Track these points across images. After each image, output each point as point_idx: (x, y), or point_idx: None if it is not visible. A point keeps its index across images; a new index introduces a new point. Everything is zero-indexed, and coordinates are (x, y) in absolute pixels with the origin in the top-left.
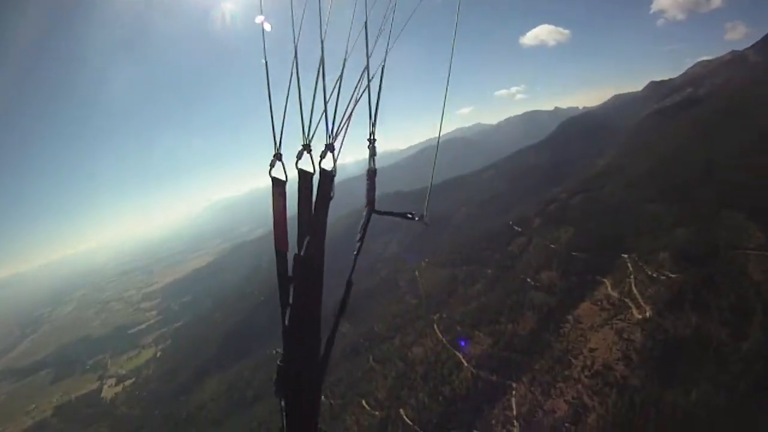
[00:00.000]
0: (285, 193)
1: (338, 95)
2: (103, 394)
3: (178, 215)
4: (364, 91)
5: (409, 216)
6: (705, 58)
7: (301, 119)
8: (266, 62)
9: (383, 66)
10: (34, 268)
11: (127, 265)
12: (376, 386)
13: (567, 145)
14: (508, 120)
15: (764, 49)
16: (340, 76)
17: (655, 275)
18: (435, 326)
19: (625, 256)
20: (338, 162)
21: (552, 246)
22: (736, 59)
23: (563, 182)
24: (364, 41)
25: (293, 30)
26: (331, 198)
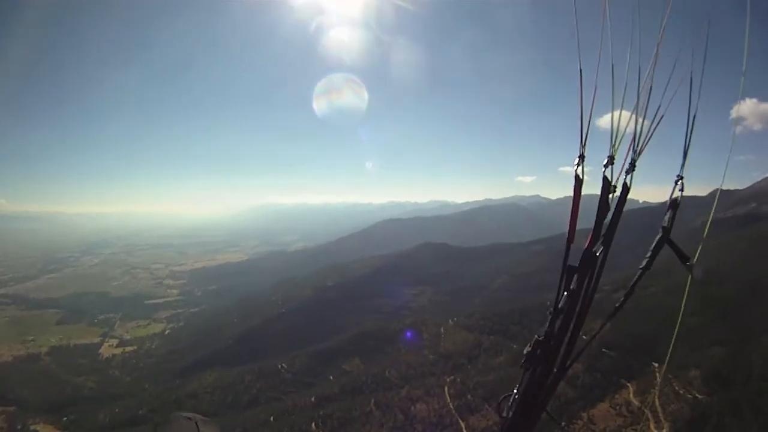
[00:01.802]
0: (581, 191)
1: (645, 111)
2: (101, 351)
3: (225, 207)
4: (661, 119)
5: (686, 259)
6: None
7: (611, 130)
8: (581, 69)
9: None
10: (72, 213)
11: (164, 239)
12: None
13: (620, 237)
14: (568, 198)
15: None
16: (648, 95)
17: (681, 392)
18: (446, 388)
19: (656, 365)
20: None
21: (584, 337)
22: None
23: (609, 274)
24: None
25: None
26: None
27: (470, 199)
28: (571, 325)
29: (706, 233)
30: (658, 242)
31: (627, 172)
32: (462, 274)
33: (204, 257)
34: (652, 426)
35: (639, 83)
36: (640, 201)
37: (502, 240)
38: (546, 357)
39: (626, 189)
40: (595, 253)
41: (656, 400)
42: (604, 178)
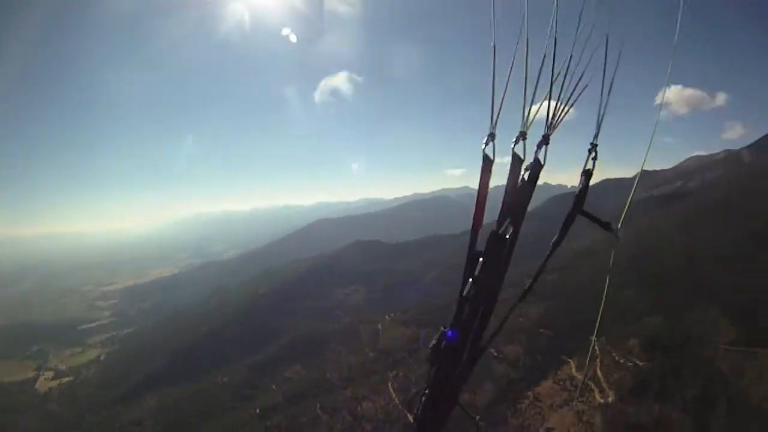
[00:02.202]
0: (491, 172)
1: (561, 88)
2: (37, 386)
3: (153, 221)
4: (584, 90)
5: (605, 225)
6: (699, 153)
7: (523, 106)
8: (494, 44)
9: (616, 65)
10: None
11: (92, 259)
12: None
13: (550, 222)
14: (497, 188)
15: (759, 150)
16: (566, 70)
17: (622, 361)
18: (389, 384)
19: (593, 337)
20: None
21: (521, 320)
22: (730, 157)
23: (541, 258)
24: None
25: (524, 8)
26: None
27: (400, 195)
28: (479, 314)
29: (628, 204)
30: (570, 213)
31: (539, 146)
32: (395, 270)
33: (135, 274)
34: (597, 396)
35: (554, 58)
36: (569, 186)
37: (433, 233)
38: (453, 349)
39: (539, 164)
40: (503, 235)
41: (599, 371)
42: (514, 154)
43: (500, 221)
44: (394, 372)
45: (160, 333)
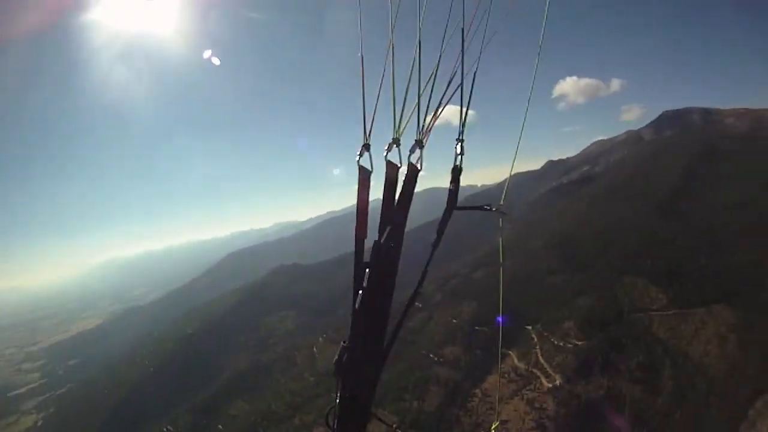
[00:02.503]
0: (369, 182)
1: (431, 91)
2: None
3: (66, 271)
4: (456, 90)
5: (486, 207)
6: (601, 137)
7: (393, 113)
8: (362, 55)
9: (476, 67)
10: None
11: (10, 319)
12: None
13: (466, 222)
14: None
15: (658, 127)
16: (435, 73)
17: (561, 344)
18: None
19: (529, 327)
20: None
21: (454, 321)
22: (631, 138)
23: (463, 257)
24: (459, 39)
25: (391, 18)
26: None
27: (313, 215)
28: (375, 323)
29: (507, 182)
30: (446, 211)
31: (412, 151)
32: (320, 290)
33: (58, 330)
34: (544, 381)
35: (420, 64)
36: (479, 185)
37: (352, 250)
38: (355, 361)
39: (414, 169)
40: (387, 244)
41: (540, 357)
42: (387, 162)
43: (381, 230)
44: (332, 405)
45: (94, 389)
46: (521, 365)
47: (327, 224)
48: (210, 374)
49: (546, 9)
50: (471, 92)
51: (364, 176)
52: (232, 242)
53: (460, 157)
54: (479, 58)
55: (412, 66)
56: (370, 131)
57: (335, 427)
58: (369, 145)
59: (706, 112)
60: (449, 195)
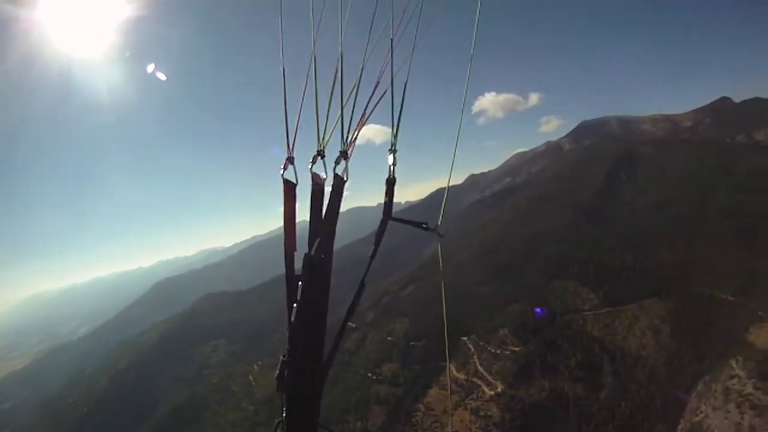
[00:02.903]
0: (295, 195)
1: (354, 103)
2: None
3: None
4: (380, 99)
5: (424, 226)
6: (522, 149)
7: (317, 125)
8: (284, 68)
9: (408, 73)
10: None
11: None
12: None
13: (394, 240)
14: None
15: (577, 137)
16: (357, 84)
17: (498, 351)
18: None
19: (465, 338)
20: None
21: (389, 338)
22: (551, 148)
23: (393, 275)
24: (383, 48)
25: (312, 32)
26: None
27: (238, 240)
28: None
29: (444, 201)
30: (382, 223)
31: (337, 162)
32: (250, 317)
33: None
34: (486, 390)
35: (342, 76)
36: (403, 202)
37: (281, 272)
38: (297, 374)
39: (340, 180)
40: (318, 256)
41: (479, 366)
42: (312, 174)
43: (311, 242)
44: (279, 419)
45: None
46: (461, 376)
47: (253, 249)
48: (146, 410)
49: (475, 31)
50: (402, 101)
51: (290, 189)
52: (158, 271)
53: (392, 167)
54: (410, 65)
55: (335, 77)
56: (293, 144)
57: None
58: (293, 158)
59: (623, 120)
60: (385, 206)
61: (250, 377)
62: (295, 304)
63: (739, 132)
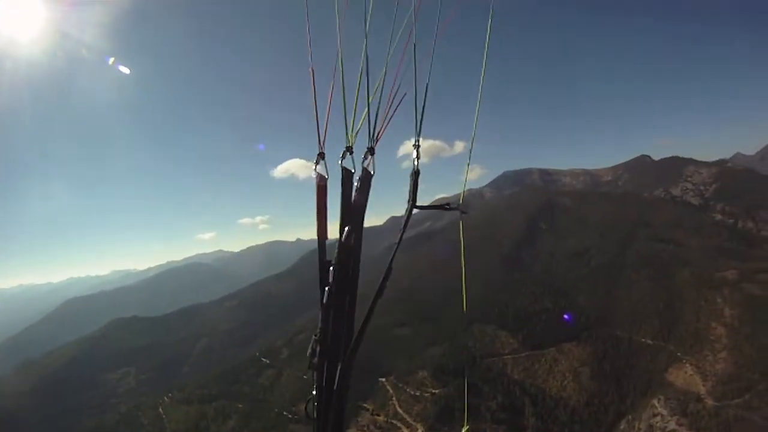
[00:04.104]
0: (326, 187)
1: (380, 99)
2: None
3: None
4: (404, 97)
5: (447, 207)
6: (444, 195)
7: (345, 123)
8: (312, 69)
9: (429, 71)
10: None
11: None
12: None
13: (309, 276)
14: (250, 249)
15: (497, 186)
16: (383, 81)
17: (417, 393)
18: None
19: (383, 379)
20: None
21: (304, 377)
22: (472, 196)
23: (308, 312)
24: (405, 47)
25: (338, 32)
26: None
27: (153, 265)
28: (344, 317)
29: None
30: (408, 211)
31: (365, 158)
32: (162, 344)
33: None
34: None
35: (368, 74)
36: (331, 237)
37: (194, 301)
38: (327, 353)
39: (368, 174)
40: (348, 243)
41: (398, 408)
42: (343, 168)
43: (341, 231)
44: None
45: None
46: (380, 418)
47: (168, 274)
48: None
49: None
50: (425, 97)
51: (322, 182)
52: (69, 289)
53: (416, 161)
54: (431, 65)
55: (359, 76)
56: (324, 140)
57: (315, 416)
58: (324, 153)
59: (545, 172)
60: (410, 194)
61: (160, 410)
62: (326, 287)
63: (657, 187)
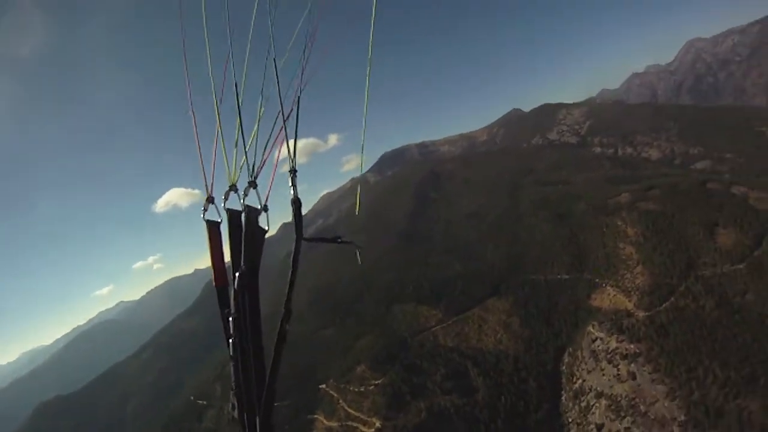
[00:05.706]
0: (220, 232)
1: (257, 134)
2: None
3: None
4: (281, 129)
5: (339, 240)
6: (329, 190)
7: (226, 162)
8: (194, 113)
9: (298, 100)
10: None
11: None
12: None
13: (215, 308)
14: (150, 293)
15: (380, 169)
16: (259, 118)
17: (362, 389)
18: None
19: (324, 386)
20: None
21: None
22: (356, 183)
23: (224, 342)
24: (280, 80)
25: (211, 79)
26: (265, 231)
27: (59, 335)
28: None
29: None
30: (296, 246)
31: (245, 193)
32: (94, 418)
33: None
34: (364, 429)
35: (239, 110)
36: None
37: (110, 362)
38: (246, 405)
39: (253, 210)
40: (242, 289)
41: (349, 409)
42: (227, 210)
43: (234, 278)
44: None
45: None
46: (334, 424)
47: (77, 341)
48: None
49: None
50: (297, 123)
51: (214, 228)
52: None
53: (294, 188)
54: (301, 89)
55: (237, 113)
56: (212, 185)
57: None
58: (212, 198)
59: (422, 146)
60: (295, 227)
61: None
62: (230, 339)
63: (534, 136)
